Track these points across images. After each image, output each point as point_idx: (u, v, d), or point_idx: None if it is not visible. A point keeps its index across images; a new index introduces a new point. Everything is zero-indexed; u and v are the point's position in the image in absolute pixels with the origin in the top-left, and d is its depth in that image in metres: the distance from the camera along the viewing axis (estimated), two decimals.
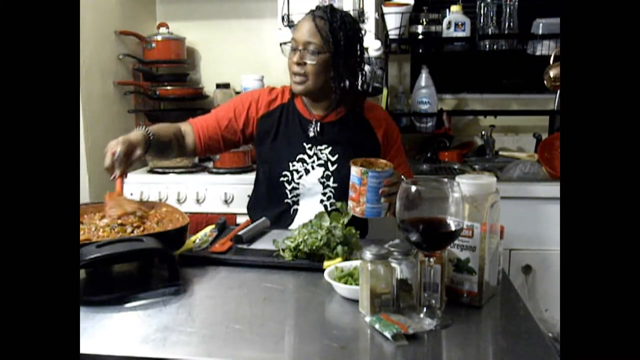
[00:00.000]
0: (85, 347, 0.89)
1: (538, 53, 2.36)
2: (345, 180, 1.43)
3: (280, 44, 1.65)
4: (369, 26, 2.28)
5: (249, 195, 1.83)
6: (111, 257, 1.09)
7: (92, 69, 2.29)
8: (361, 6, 2.26)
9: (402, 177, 1.47)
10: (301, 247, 1.26)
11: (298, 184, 1.63)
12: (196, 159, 2.43)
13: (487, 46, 2.41)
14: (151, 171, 2.46)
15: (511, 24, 2.40)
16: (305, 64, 1.56)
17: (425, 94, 2.50)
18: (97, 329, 0.98)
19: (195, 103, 2.71)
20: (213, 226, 1.52)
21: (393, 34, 2.32)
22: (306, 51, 1.55)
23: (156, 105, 2.75)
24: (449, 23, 2.37)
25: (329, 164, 1.63)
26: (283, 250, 1.29)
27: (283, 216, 1.64)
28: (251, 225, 1.48)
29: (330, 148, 1.64)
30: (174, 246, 1.25)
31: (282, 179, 1.63)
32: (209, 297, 1.14)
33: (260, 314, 1.05)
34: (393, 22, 2.31)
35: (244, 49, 2.72)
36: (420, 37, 2.43)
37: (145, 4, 2.75)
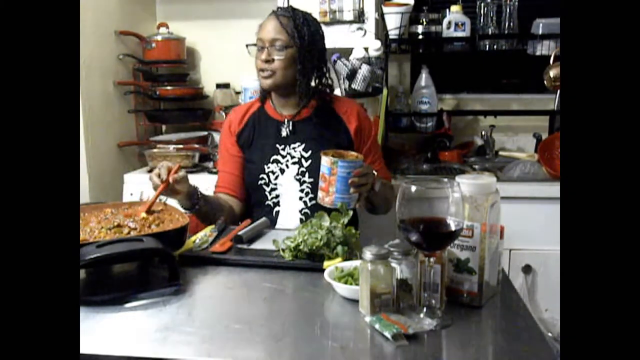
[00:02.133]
0: (85, 347, 0.89)
1: (538, 53, 2.36)
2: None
3: (247, 46, 1.68)
4: (369, 26, 2.28)
5: None
6: (111, 257, 1.09)
7: (92, 69, 2.29)
8: (361, 6, 2.26)
9: (375, 172, 1.49)
10: (301, 247, 1.26)
11: (276, 184, 1.66)
12: (196, 159, 2.43)
13: (487, 46, 2.41)
14: (151, 171, 2.45)
15: (511, 24, 2.40)
16: (273, 60, 1.60)
17: (425, 94, 2.50)
18: (97, 329, 0.98)
19: (195, 103, 2.72)
20: (213, 226, 1.52)
21: (393, 34, 2.32)
22: (273, 48, 1.60)
23: (156, 105, 2.75)
24: (449, 23, 2.37)
25: (303, 160, 1.65)
26: (283, 250, 1.29)
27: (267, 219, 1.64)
28: (251, 225, 1.48)
29: (303, 145, 1.67)
30: (174, 246, 1.25)
31: (260, 182, 1.67)
32: (209, 297, 1.14)
33: (260, 314, 1.05)
34: (393, 22, 2.31)
35: (243, 49, 2.71)
36: (420, 37, 2.43)
37: (145, 4, 2.75)
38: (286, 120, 1.69)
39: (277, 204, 1.67)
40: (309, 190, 1.64)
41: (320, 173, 1.41)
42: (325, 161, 1.39)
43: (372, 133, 1.75)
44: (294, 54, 1.60)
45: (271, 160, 1.67)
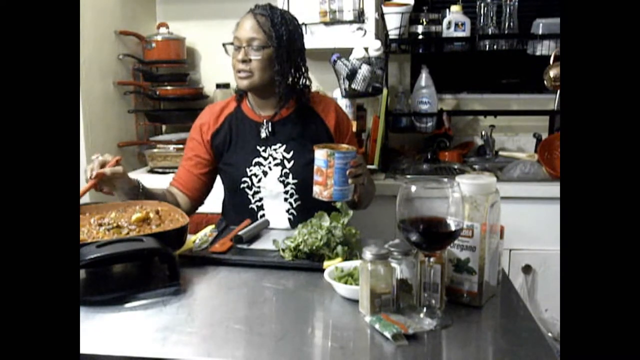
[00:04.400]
0: (85, 347, 0.89)
1: (538, 53, 2.36)
2: (304, 174, 1.43)
3: (224, 45, 1.65)
4: (369, 26, 2.28)
5: None
6: (111, 257, 1.09)
7: (92, 69, 2.29)
8: (361, 6, 2.26)
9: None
10: (301, 247, 1.26)
11: (259, 187, 1.63)
12: None
13: (487, 46, 2.41)
14: (151, 171, 2.46)
15: (511, 24, 2.40)
16: (250, 60, 1.57)
17: (425, 94, 2.50)
18: (97, 329, 0.98)
19: (195, 103, 2.71)
20: (213, 226, 1.52)
21: (393, 34, 2.32)
22: (250, 48, 1.57)
23: (156, 105, 2.75)
24: (449, 23, 2.37)
25: (285, 161, 1.63)
26: (283, 250, 1.29)
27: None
28: (251, 225, 1.48)
29: (284, 146, 1.65)
30: (174, 246, 1.25)
31: (242, 185, 1.64)
32: (209, 297, 1.14)
33: (260, 314, 1.05)
34: (393, 22, 2.31)
35: None
36: (420, 37, 2.43)
37: (145, 4, 2.75)
38: (265, 121, 1.66)
39: (261, 207, 1.65)
40: (294, 192, 1.62)
41: (315, 167, 1.38)
42: (321, 154, 1.37)
43: (349, 127, 1.75)
44: (272, 54, 1.56)
45: (253, 162, 1.64)
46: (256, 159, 1.65)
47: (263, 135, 1.66)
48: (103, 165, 1.43)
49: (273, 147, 1.65)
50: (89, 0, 2.25)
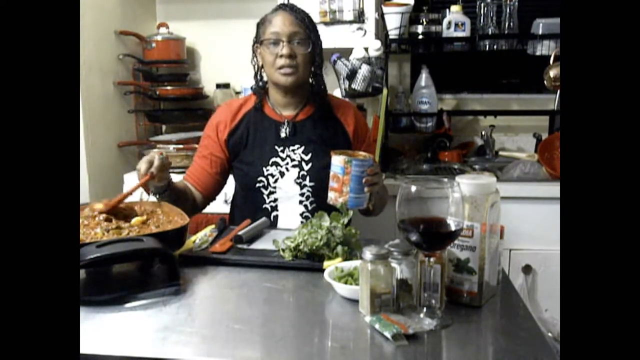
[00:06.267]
0: (85, 347, 0.89)
1: (538, 53, 2.36)
2: (321, 177, 1.41)
3: (254, 44, 1.63)
4: (369, 26, 2.28)
5: None
6: (111, 257, 1.09)
7: (92, 69, 2.29)
8: (361, 6, 2.26)
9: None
10: (301, 247, 1.26)
11: (275, 188, 1.62)
12: None
13: (487, 46, 2.41)
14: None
15: (511, 24, 2.40)
16: (296, 55, 1.54)
17: (425, 94, 2.50)
18: (97, 329, 0.98)
19: (195, 103, 2.72)
20: (213, 226, 1.52)
21: (393, 34, 2.32)
22: (292, 43, 1.54)
23: (156, 105, 2.75)
24: (449, 23, 2.37)
25: (303, 163, 1.62)
26: (283, 250, 1.29)
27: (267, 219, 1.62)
28: (251, 225, 1.48)
29: (303, 147, 1.63)
30: (174, 246, 1.25)
31: (258, 184, 1.62)
32: (209, 297, 1.14)
33: (260, 314, 1.05)
34: (393, 22, 2.31)
35: (244, 49, 2.71)
36: (420, 37, 2.43)
37: (145, 4, 2.75)
38: (286, 121, 1.65)
39: (275, 208, 1.63)
40: (310, 194, 1.61)
41: (332, 173, 1.37)
42: (338, 161, 1.36)
43: (367, 132, 1.74)
44: (313, 50, 1.55)
45: (270, 162, 1.62)
46: (273, 159, 1.62)
47: (283, 135, 1.64)
48: (161, 168, 1.42)
49: (292, 147, 1.63)
50: (89, 0, 2.25)
